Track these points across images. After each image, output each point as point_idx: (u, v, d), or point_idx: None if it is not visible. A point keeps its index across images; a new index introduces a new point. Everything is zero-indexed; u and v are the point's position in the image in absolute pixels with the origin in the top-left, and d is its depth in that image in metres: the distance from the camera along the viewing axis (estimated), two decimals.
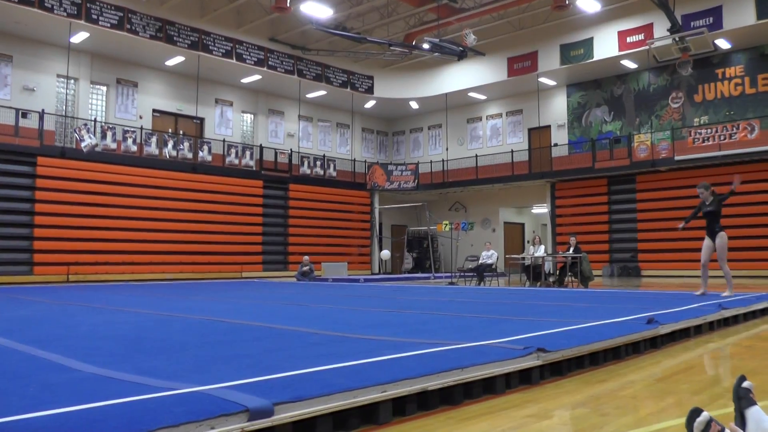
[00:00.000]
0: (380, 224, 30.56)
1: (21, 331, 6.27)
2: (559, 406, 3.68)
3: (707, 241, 10.59)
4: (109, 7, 21.04)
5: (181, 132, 25.01)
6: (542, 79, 26.81)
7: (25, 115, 20.15)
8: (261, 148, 26.41)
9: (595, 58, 24.46)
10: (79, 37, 21.55)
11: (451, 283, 19.44)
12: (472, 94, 29.26)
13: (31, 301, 10.92)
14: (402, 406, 3.37)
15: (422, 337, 5.20)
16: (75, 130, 21.17)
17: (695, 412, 2.55)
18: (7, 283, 18.32)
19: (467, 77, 28.17)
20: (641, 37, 23.18)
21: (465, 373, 3.68)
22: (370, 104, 30.59)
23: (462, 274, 19.94)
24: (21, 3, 19.23)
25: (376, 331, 5.81)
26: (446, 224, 22.99)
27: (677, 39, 19.85)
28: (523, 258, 18.31)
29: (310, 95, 28.78)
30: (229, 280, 22.34)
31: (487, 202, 30.12)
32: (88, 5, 20.57)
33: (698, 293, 10.51)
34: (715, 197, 10.58)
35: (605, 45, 24.15)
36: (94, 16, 20.75)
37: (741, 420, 2.62)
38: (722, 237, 10.38)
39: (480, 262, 19.50)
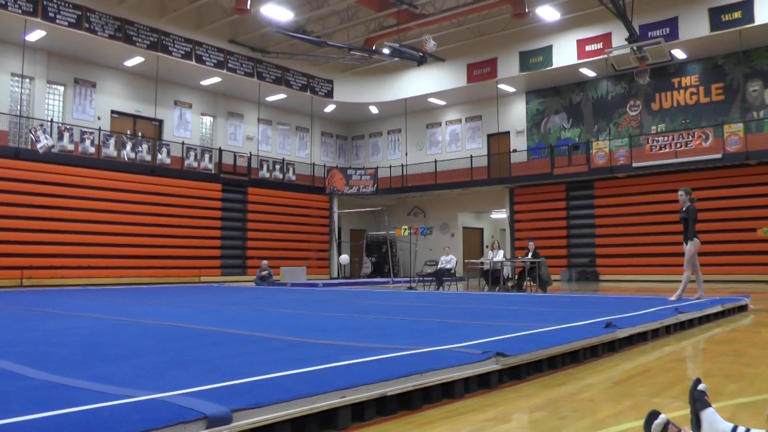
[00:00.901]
0: (339, 229, 30.54)
1: None
2: (517, 409, 3.70)
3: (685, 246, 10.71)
4: (66, 5, 20.71)
5: (139, 134, 24.71)
6: (501, 86, 27.04)
7: None
8: (220, 151, 26.23)
9: (554, 66, 24.78)
10: (35, 36, 21.16)
11: (410, 288, 19.50)
12: (431, 100, 29.41)
13: None
14: (361, 412, 3.36)
15: (381, 342, 5.21)
16: (30, 131, 20.75)
17: (653, 415, 2.60)
18: None
19: (427, 83, 28.31)
20: (600, 45, 23.55)
21: (424, 378, 3.69)
22: (329, 108, 30.57)
23: (421, 278, 20.01)
24: None
25: (335, 336, 5.80)
26: (405, 229, 23.04)
27: (635, 48, 20.18)
28: (482, 263, 18.43)
29: (269, 98, 28.67)
30: (187, 284, 22.12)
31: (446, 207, 30.25)
32: (45, 3, 20.20)
33: (695, 298, 10.61)
34: (692, 205, 10.63)
35: (564, 53, 24.47)
36: (51, 14, 20.40)
37: (696, 422, 2.67)
38: (693, 243, 10.44)
39: (439, 266, 19.57)
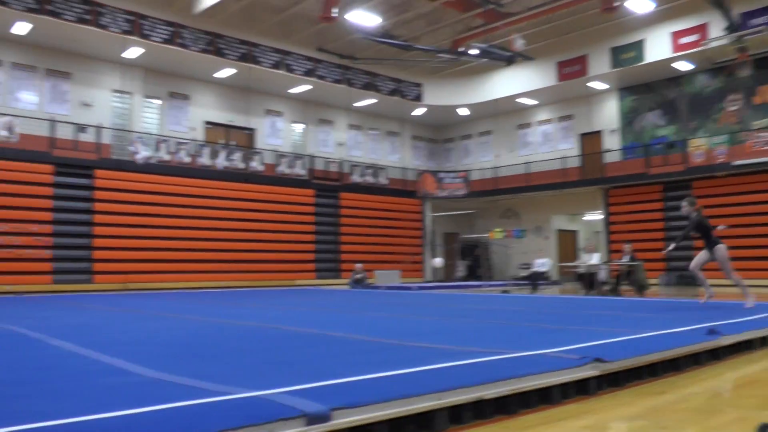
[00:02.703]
0: (433, 232, 30.48)
1: (83, 336, 6.43)
2: (616, 418, 3.61)
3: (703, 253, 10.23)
4: (160, 22, 21.43)
5: (232, 143, 25.31)
6: (592, 84, 26.45)
7: (83, 129, 20.64)
8: (312, 157, 26.58)
9: (646, 61, 23.98)
10: (132, 53, 21.98)
11: (505, 291, 19.30)
12: (521, 100, 29.01)
13: (92, 308, 11.17)
14: (458, 414, 3.34)
15: (476, 345, 5.16)
16: (130, 143, 21.61)
17: (764, 428, 2.46)
18: (69, 291, 18.90)
19: (516, 82, 27.94)
20: (696, 37, 22.57)
21: (521, 382, 3.64)
22: (419, 112, 30.56)
23: (515, 282, 19.79)
24: (79, 22, 19.76)
25: (430, 339, 5.79)
26: (498, 232, 22.82)
27: (735, 39, 19.23)
28: (577, 266, 18.10)
29: (359, 104, 28.88)
30: (282, 288, 22.48)
31: (539, 209, 29.78)
32: (141, 22, 20.98)
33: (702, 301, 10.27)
34: (698, 214, 10.15)
35: (657, 47, 23.65)
36: (147, 32, 21.16)
37: None
38: (719, 249, 10.01)
39: (533, 270, 19.34)
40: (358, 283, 21.91)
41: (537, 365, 4.02)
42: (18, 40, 20.71)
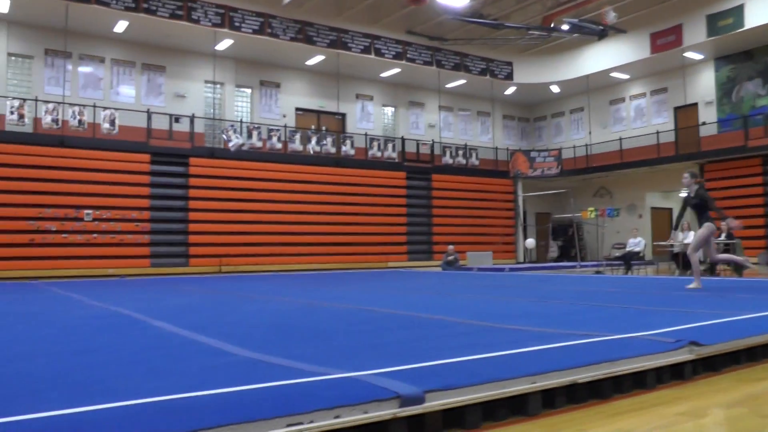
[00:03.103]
0: (524, 212, 30.13)
1: (181, 318, 6.65)
2: (713, 404, 3.48)
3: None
4: (250, 14, 21.91)
5: (323, 128, 25.62)
6: (687, 54, 25.44)
7: (177, 119, 21.51)
8: (403, 140, 26.63)
9: (746, 27, 22.81)
10: (223, 45, 22.65)
11: (598, 272, 18.96)
12: (614, 74, 28.22)
13: (189, 291, 11.55)
14: (551, 399, 3.30)
15: (569, 328, 5.08)
16: (223, 132, 22.22)
17: None
18: (166, 274, 19.76)
19: (608, 57, 27.18)
20: None
21: (614, 366, 3.56)
22: (509, 91, 30.18)
23: (609, 262, 19.40)
24: (171, 17, 20.59)
25: (522, 321, 5.74)
26: (591, 211, 22.37)
27: None
28: (672, 245, 17.58)
29: (449, 85, 28.74)
30: (374, 270, 22.68)
31: (632, 186, 29.01)
32: (231, 14, 21.52)
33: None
34: (701, 188, 10.02)
35: (758, 11, 22.42)
36: (237, 24, 21.69)
37: None
38: (706, 227, 9.85)
39: (627, 249, 18.90)
40: (450, 264, 21.89)
41: (631, 348, 3.93)
42: (116, 38, 21.84)
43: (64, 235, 18.99)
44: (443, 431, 2.93)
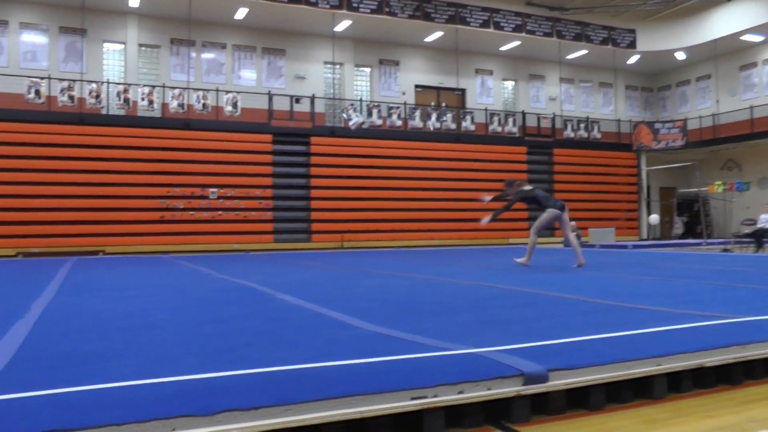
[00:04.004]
0: (648, 187, 29.16)
1: (304, 291, 6.83)
2: None
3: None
4: None
5: (443, 104, 25.56)
6: None
7: (298, 100, 22.03)
8: (523, 114, 26.22)
9: None
10: (342, 26, 23.00)
11: (725, 250, 18.16)
12: (745, 37, 26.57)
13: (311, 265, 11.83)
14: (677, 382, 3.20)
15: (695, 308, 4.89)
16: (343, 111, 22.60)
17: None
18: (290, 249, 20.44)
19: (739, 18, 25.59)
20: None
21: (745, 350, 3.40)
22: (632, 59, 29.11)
23: (737, 240, 18.55)
24: (290, 2, 21.07)
25: (647, 300, 5.55)
26: (719, 185, 21.40)
27: None
28: None
29: (570, 56, 28.04)
30: (495, 246, 22.54)
31: (764, 158, 27.42)
32: None
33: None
34: (520, 190, 10.93)
35: None
36: (355, 5, 21.94)
37: None
38: (548, 212, 10.43)
39: (758, 226, 18.01)
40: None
41: (763, 332, 3.74)
42: (237, 25, 22.69)
43: (191, 213, 19.99)
44: (567, 411, 2.88)
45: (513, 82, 28.11)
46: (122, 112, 19.93)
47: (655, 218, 23.10)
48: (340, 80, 24.52)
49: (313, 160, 21.88)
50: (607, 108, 30.19)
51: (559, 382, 2.82)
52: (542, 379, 2.77)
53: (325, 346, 3.46)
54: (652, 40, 27.73)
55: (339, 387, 2.53)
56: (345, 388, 2.52)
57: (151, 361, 3.14)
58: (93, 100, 19.33)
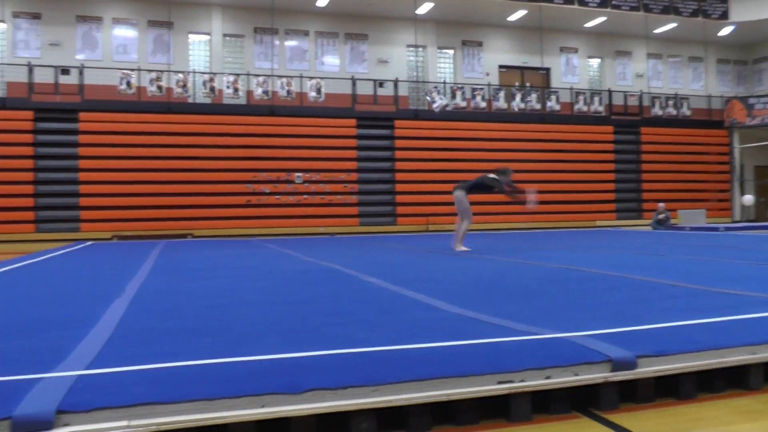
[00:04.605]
0: (741, 166, 28.15)
1: (389, 273, 6.90)
2: None
3: None
4: None
5: (527, 84, 25.22)
6: None
7: (381, 84, 22.14)
8: (609, 92, 25.61)
9: None
10: (424, 8, 22.91)
11: None
12: None
13: (396, 248, 11.93)
14: None
15: None
16: (426, 94, 22.56)
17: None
18: (375, 232, 20.80)
19: None
20: None
21: None
22: (725, 31, 27.92)
23: None
24: None
25: (740, 285, 5.34)
26: None
27: None
28: None
29: (657, 30, 27.15)
30: (581, 229, 22.20)
31: None
32: None
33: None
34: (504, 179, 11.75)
35: None
36: None
37: None
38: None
39: None
40: (660, 223, 20.94)
41: None
42: (320, 12, 22.93)
43: (276, 197, 20.46)
44: (656, 399, 2.84)
45: (599, 60, 27.49)
46: (208, 101, 20.48)
47: (749, 199, 22.29)
48: (423, 63, 24.47)
49: (397, 143, 22.00)
50: (697, 83, 29.20)
51: (648, 369, 2.76)
52: (631, 365, 2.73)
53: (409, 328, 3.50)
54: (747, 9, 26.48)
55: (425, 369, 2.55)
56: (431, 370, 2.54)
57: (241, 339, 3.25)
58: (180, 90, 19.97)
